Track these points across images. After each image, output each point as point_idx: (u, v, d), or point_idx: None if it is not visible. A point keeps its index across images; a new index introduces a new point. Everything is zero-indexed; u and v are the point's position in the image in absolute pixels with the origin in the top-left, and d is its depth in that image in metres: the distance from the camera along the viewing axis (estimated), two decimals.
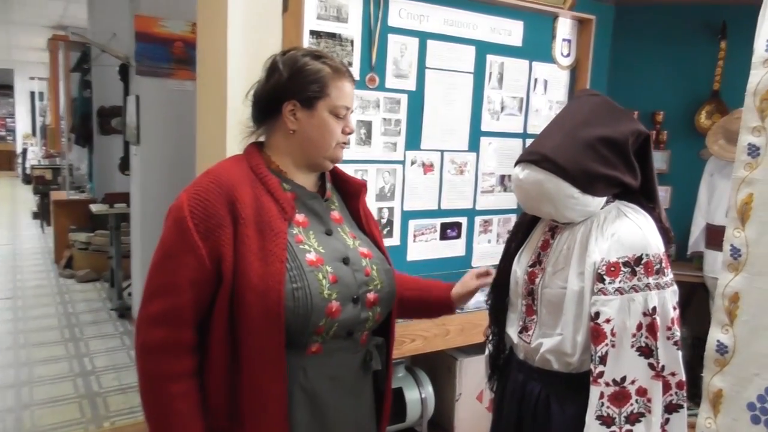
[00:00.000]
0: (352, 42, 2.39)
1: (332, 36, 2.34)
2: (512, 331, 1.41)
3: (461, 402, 2.58)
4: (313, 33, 2.30)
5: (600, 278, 1.22)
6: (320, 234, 1.32)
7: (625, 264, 1.21)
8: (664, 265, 1.22)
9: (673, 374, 1.21)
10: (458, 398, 2.58)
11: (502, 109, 2.79)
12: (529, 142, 2.88)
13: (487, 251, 2.86)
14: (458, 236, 2.76)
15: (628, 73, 3.13)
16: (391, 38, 2.46)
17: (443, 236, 2.72)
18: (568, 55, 2.95)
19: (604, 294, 1.20)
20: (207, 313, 1.24)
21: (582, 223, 1.29)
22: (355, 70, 2.36)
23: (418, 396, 2.52)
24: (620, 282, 1.20)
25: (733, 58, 2.93)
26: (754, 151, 1.08)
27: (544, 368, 1.32)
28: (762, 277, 1.07)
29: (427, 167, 2.63)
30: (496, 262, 2.86)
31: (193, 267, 1.19)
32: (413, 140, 2.57)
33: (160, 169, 3.98)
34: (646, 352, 1.19)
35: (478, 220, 2.81)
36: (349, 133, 1.36)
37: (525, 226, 1.44)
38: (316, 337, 1.26)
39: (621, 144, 1.26)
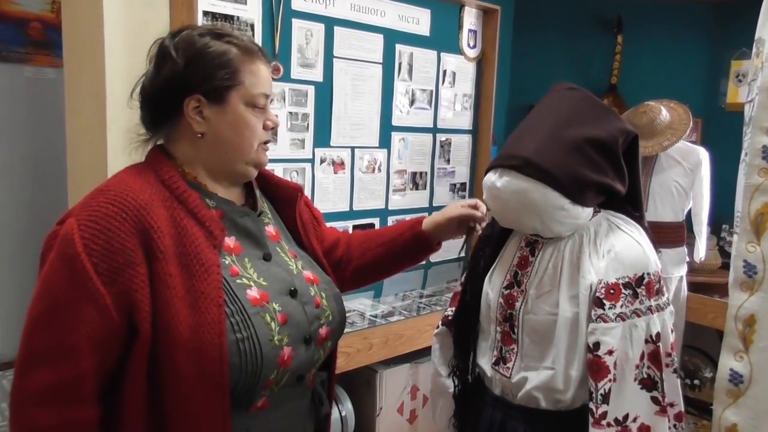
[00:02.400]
0: (252, 26, 2.11)
1: (229, 18, 2.05)
2: (484, 362, 1.24)
3: (382, 416, 2.41)
4: (206, 14, 2.00)
5: (599, 303, 1.07)
6: (257, 261, 1.07)
7: (626, 285, 1.07)
8: (662, 283, 1.11)
9: (672, 405, 1.10)
10: (379, 413, 2.41)
11: (412, 102, 2.64)
12: (440, 137, 2.77)
13: None
14: None
15: (528, 65, 3.09)
16: (296, 23, 2.21)
17: None
18: (474, 46, 2.85)
19: (605, 321, 1.06)
20: (113, 379, 0.94)
21: (569, 238, 1.14)
22: None
23: (338, 414, 2.31)
24: (621, 306, 1.06)
25: (629, 52, 2.98)
26: None
27: (529, 406, 1.16)
28: None
29: (338, 165, 2.42)
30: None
31: (93, 322, 0.89)
32: (322, 136, 2.35)
33: (16, 174, 3.39)
34: (649, 384, 1.07)
35: (390, 220, 2.64)
36: (273, 128, 1.10)
37: (494, 239, 1.26)
38: (263, 392, 1.02)
39: (610, 145, 1.10)
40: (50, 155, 3.27)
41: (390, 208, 2.62)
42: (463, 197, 2.92)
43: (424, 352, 2.37)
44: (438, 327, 1.35)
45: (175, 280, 0.93)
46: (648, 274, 1.09)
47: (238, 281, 1.01)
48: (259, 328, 0.98)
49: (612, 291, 1.07)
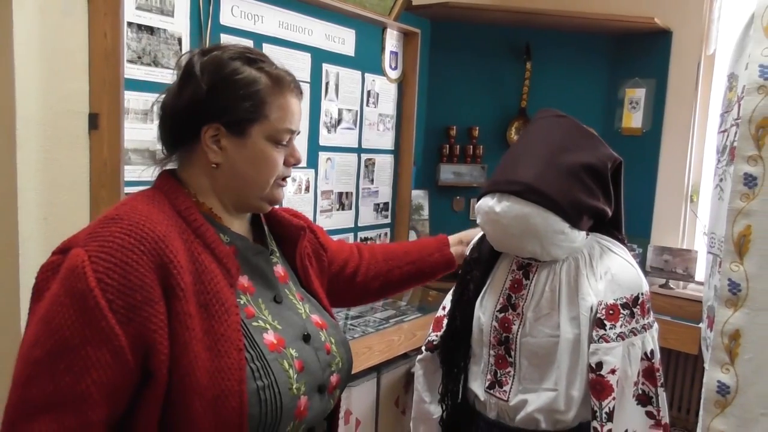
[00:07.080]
0: (179, 40, 1.99)
1: (155, 31, 1.93)
2: (476, 386, 1.23)
3: None
4: (131, 25, 1.86)
5: (600, 323, 1.10)
6: (269, 302, 1.00)
7: (624, 305, 1.11)
8: (650, 302, 1.16)
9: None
10: None
11: (339, 122, 2.61)
12: (365, 157, 2.76)
13: None
14: None
15: (444, 89, 3.18)
16: (225, 39, 2.12)
17: None
18: (396, 67, 2.88)
19: (606, 341, 1.10)
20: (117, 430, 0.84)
21: (563, 261, 1.17)
22: None
23: None
24: (621, 326, 1.10)
25: (537, 78, 3.15)
26: (750, 181, 1.06)
27: (528, 428, 1.17)
28: (765, 312, 1.06)
29: None
30: None
31: (106, 366, 0.79)
32: None
33: None
34: (644, 400, 1.11)
35: None
36: (295, 164, 1.04)
37: (483, 263, 1.26)
38: None
39: (601, 171, 1.16)
40: None
41: None
42: (386, 217, 2.93)
43: (356, 376, 2.33)
44: (422, 352, 1.33)
45: (194, 321, 0.85)
46: (642, 294, 1.15)
47: (255, 324, 0.94)
48: (279, 376, 0.91)
49: (611, 311, 1.11)
